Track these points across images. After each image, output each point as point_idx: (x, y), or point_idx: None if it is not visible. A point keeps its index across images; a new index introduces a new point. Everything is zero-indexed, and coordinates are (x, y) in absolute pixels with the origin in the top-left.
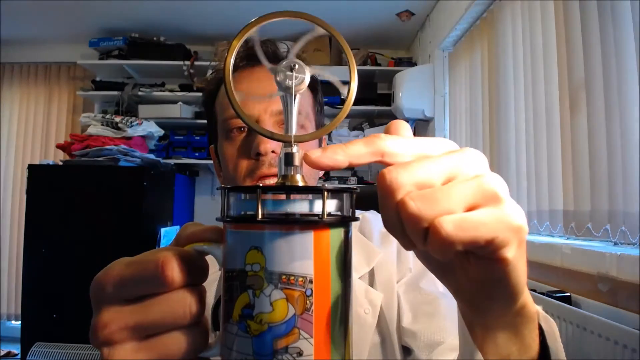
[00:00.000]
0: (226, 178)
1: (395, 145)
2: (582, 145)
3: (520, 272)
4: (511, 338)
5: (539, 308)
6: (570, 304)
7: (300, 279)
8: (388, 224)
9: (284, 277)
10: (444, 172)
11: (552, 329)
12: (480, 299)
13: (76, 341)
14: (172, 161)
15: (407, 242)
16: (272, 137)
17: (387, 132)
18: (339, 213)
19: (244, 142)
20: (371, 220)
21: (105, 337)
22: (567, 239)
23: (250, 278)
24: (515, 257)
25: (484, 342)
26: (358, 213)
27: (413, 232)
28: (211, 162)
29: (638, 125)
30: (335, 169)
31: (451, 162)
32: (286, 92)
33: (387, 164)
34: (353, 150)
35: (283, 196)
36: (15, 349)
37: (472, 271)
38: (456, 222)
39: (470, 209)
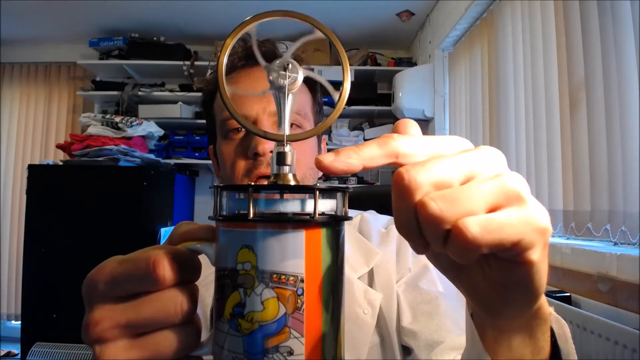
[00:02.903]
0: (224, 178)
1: (410, 145)
2: (582, 145)
3: (542, 274)
4: (525, 340)
5: (551, 309)
6: (570, 304)
7: (292, 278)
8: (402, 226)
9: (274, 276)
10: (462, 171)
11: (564, 330)
12: (497, 302)
13: (76, 341)
14: (172, 161)
15: (421, 245)
16: (265, 136)
17: (394, 131)
18: (332, 212)
19: (241, 142)
20: (370, 220)
21: (97, 335)
22: (567, 239)
23: (241, 277)
24: (540, 259)
25: (496, 344)
26: (357, 213)
27: (432, 234)
28: (211, 162)
29: (638, 125)
30: (349, 173)
31: (469, 160)
32: (279, 91)
33: (401, 166)
34: (367, 153)
35: (277, 196)
36: (15, 349)
37: (491, 273)
38: (482, 224)
39: (493, 209)
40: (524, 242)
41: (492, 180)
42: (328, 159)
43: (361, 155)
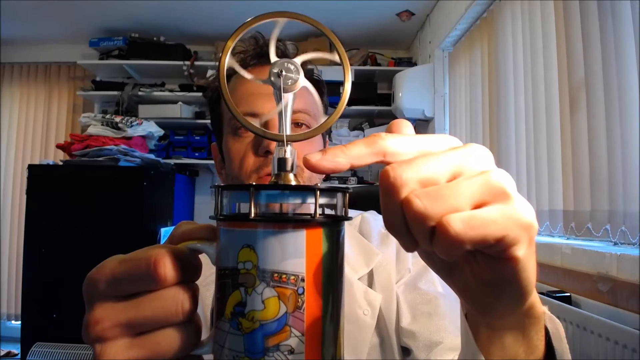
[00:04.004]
0: (230, 175)
1: (397, 144)
2: (582, 145)
3: (530, 271)
4: (518, 339)
5: (545, 308)
6: (570, 304)
7: (292, 277)
8: (390, 224)
9: (275, 275)
10: (449, 168)
11: (558, 329)
12: (487, 299)
13: (76, 341)
14: (172, 161)
15: (409, 243)
16: (264, 135)
17: (388, 131)
18: (332, 212)
19: (253, 139)
20: (370, 220)
21: (97, 334)
22: (567, 239)
23: (242, 276)
24: (526, 255)
25: (490, 343)
26: (357, 213)
27: (418, 231)
28: (211, 162)
29: (638, 125)
30: (337, 172)
31: (456, 158)
32: (279, 91)
33: (389, 164)
34: (354, 152)
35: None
36: (15, 349)
37: (479, 270)
38: (465, 220)
39: (478, 206)
40: (508, 238)
41: (477, 177)
42: (315, 157)
43: (348, 154)
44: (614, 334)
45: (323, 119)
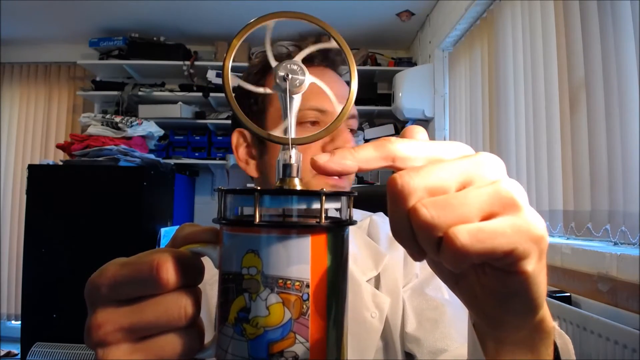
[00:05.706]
0: (264, 167)
1: (407, 149)
2: (582, 145)
3: (540, 285)
4: (527, 354)
5: (555, 324)
6: (570, 304)
7: (297, 283)
8: (397, 232)
9: (280, 281)
10: (458, 177)
11: (567, 345)
12: (496, 312)
13: (76, 341)
14: (172, 161)
15: (416, 251)
16: (269, 139)
17: (402, 136)
18: (337, 216)
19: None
20: (379, 223)
21: (99, 338)
22: (567, 239)
23: (246, 281)
24: (536, 269)
25: (497, 356)
26: (365, 215)
27: (425, 241)
28: (211, 161)
29: (638, 125)
30: (344, 174)
31: (466, 166)
32: (284, 94)
33: (398, 169)
34: (362, 155)
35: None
36: (15, 349)
37: (488, 283)
38: (472, 232)
39: (487, 217)
40: (518, 251)
41: (487, 186)
42: (323, 159)
43: (356, 156)
44: (614, 334)
45: (354, 123)
